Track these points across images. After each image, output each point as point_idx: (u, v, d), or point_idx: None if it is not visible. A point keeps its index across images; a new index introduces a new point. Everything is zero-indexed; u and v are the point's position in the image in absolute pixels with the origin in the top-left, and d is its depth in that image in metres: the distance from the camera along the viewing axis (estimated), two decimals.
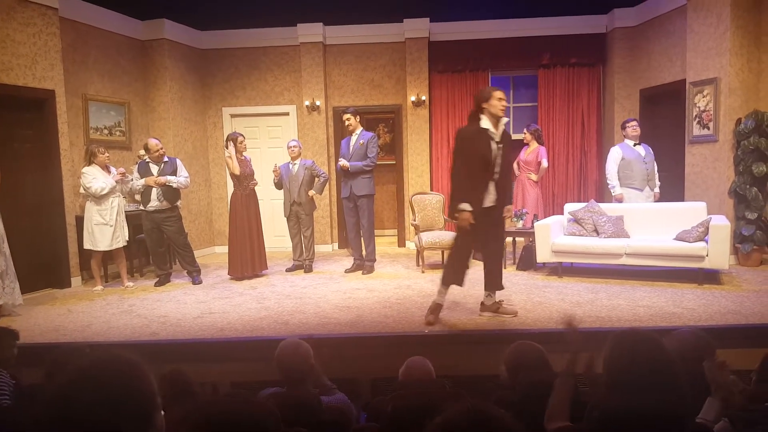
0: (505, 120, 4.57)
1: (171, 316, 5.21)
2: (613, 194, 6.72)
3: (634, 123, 6.69)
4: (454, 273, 4.72)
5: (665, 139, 7.62)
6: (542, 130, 7.85)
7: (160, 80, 8.16)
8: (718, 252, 5.43)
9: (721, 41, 6.50)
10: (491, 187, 4.57)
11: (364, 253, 6.98)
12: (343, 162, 6.83)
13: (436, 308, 4.71)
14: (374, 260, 7.02)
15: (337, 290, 6.00)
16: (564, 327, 2.40)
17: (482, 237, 4.69)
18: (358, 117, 6.96)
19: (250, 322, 4.91)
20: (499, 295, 4.94)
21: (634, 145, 6.63)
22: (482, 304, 4.89)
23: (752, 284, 5.58)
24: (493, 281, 4.84)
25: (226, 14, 7.96)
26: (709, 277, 5.65)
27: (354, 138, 6.91)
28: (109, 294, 6.20)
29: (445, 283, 4.71)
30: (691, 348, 2.47)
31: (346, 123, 6.95)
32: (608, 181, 6.77)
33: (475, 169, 4.48)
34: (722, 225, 5.51)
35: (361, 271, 6.89)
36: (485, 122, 4.49)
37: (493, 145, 4.48)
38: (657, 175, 6.73)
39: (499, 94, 4.43)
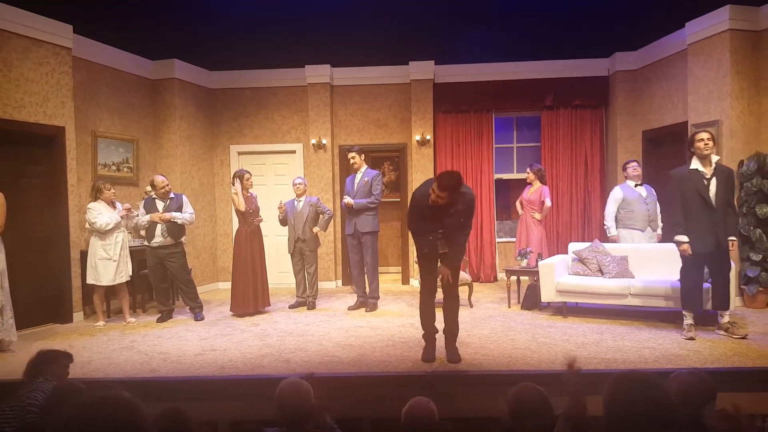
0: (715, 158, 5.04)
1: (172, 352, 5.16)
2: (608, 235, 6.74)
3: (635, 164, 6.73)
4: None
5: (668, 180, 7.63)
6: (545, 170, 7.91)
7: (170, 118, 8.30)
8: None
9: (722, 85, 6.60)
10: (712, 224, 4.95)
11: (367, 290, 6.95)
12: (347, 199, 6.89)
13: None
14: (378, 297, 6.97)
15: (340, 328, 5.96)
16: (565, 369, 2.36)
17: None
18: (362, 155, 7.06)
19: (252, 359, 4.87)
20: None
21: (636, 185, 6.65)
22: None
23: (758, 326, 5.52)
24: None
25: (236, 55, 8.17)
26: (715, 318, 5.58)
27: (359, 176, 6.98)
28: (111, 329, 6.17)
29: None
30: (693, 391, 2.43)
31: (351, 161, 7.04)
32: (605, 222, 6.78)
33: (694, 208, 4.95)
34: None
35: (364, 309, 6.85)
36: (695, 163, 5.03)
37: (706, 182, 4.96)
38: (660, 216, 6.73)
39: (699, 136, 5.01)
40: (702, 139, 5.01)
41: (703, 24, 6.79)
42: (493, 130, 8.99)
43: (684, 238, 5.03)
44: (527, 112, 9.13)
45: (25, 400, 2.81)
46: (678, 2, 6.45)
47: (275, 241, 8.55)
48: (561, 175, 8.81)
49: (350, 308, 6.95)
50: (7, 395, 2.92)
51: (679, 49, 7.35)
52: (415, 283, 8.30)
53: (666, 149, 7.88)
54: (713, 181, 4.97)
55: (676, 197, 5.09)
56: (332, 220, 7.60)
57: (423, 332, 4.88)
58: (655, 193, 6.71)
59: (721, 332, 5.12)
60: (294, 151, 9.06)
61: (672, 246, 5.30)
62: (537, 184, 7.33)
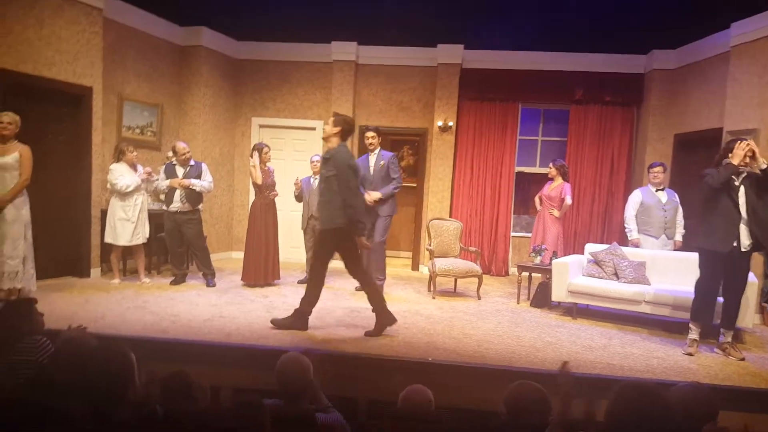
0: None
1: (182, 315, 5.26)
2: (629, 238, 6.60)
3: (658, 168, 6.49)
4: None
5: (697, 186, 7.47)
6: (569, 167, 7.79)
7: (195, 86, 8.32)
8: (743, 310, 5.15)
9: (764, 92, 6.32)
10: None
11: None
12: (374, 195, 6.42)
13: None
14: (383, 279, 6.75)
15: (345, 307, 5.98)
16: (558, 370, 2.33)
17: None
18: (380, 137, 6.81)
19: (258, 330, 4.92)
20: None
21: (657, 190, 6.51)
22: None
23: None
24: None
25: (264, 26, 8.13)
26: (732, 335, 5.47)
27: (374, 158, 6.66)
28: (126, 288, 6.28)
29: None
30: (694, 404, 2.39)
31: (369, 140, 6.68)
32: (626, 225, 6.65)
33: (721, 204, 4.81)
34: (749, 282, 5.29)
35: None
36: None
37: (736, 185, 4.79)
38: (682, 223, 6.57)
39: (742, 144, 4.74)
40: (741, 146, 4.69)
41: (750, 26, 6.50)
42: (518, 121, 8.85)
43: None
44: (555, 105, 8.95)
45: (37, 353, 2.92)
46: (725, 1, 6.15)
47: (289, 217, 8.57)
48: (585, 173, 8.67)
49: (357, 289, 6.96)
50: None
51: (722, 50, 7.08)
52: (425, 269, 8.28)
53: (697, 154, 7.66)
54: (741, 190, 4.79)
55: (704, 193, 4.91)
56: None
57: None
58: (677, 199, 6.54)
59: (719, 351, 4.97)
60: (314, 128, 9.03)
61: (691, 255, 5.17)
62: (558, 180, 7.21)
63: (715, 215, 4.85)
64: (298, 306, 5.05)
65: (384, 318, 5.00)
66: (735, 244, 4.78)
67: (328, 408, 2.84)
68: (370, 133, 6.71)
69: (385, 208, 6.57)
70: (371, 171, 6.61)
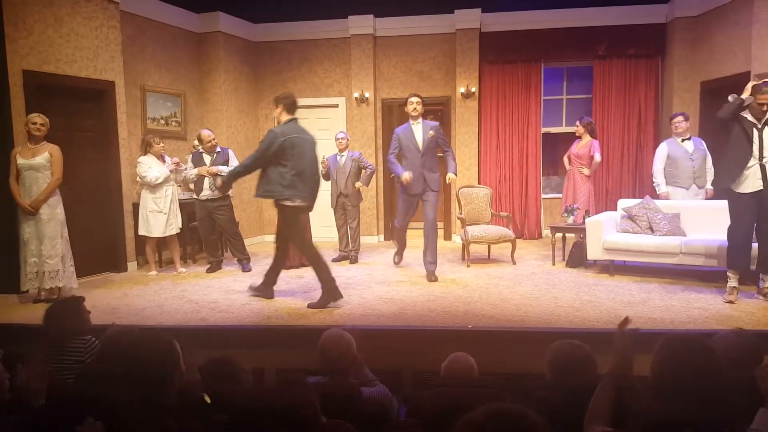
0: None
1: (221, 302, 5.35)
2: (657, 192, 6.48)
3: (680, 118, 6.33)
4: None
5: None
6: (596, 124, 7.63)
7: (215, 72, 8.35)
8: None
9: None
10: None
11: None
12: (451, 175, 6.04)
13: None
14: (436, 263, 6.18)
15: (382, 282, 6.03)
16: (617, 328, 2.27)
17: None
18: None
19: (296, 310, 4.99)
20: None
21: (682, 140, 6.34)
22: None
23: None
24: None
25: (279, 7, 8.08)
26: None
27: (418, 127, 6.04)
28: (163, 279, 6.41)
29: None
30: (738, 352, 2.35)
31: (414, 105, 6.01)
32: (654, 179, 6.52)
33: (739, 149, 4.74)
34: None
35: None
36: (746, 113, 4.75)
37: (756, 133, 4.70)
38: (712, 170, 6.38)
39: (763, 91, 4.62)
40: (762, 91, 4.59)
41: None
42: (541, 81, 8.68)
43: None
44: (578, 62, 8.76)
45: (86, 354, 3.03)
46: None
47: (318, 196, 8.59)
48: (612, 128, 8.50)
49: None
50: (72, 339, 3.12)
51: None
52: (457, 239, 8.26)
53: (725, 101, 7.43)
54: (766, 131, 4.64)
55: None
56: (374, 175, 7.56)
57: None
58: (704, 147, 6.36)
59: (761, 297, 4.90)
60: (337, 105, 9.01)
61: (725, 203, 5.05)
62: (586, 138, 7.08)
63: (735, 158, 4.75)
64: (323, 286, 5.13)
65: (330, 293, 5.08)
66: (761, 187, 4.66)
67: (373, 381, 2.89)
68: (415, 99, 6.05)
69: (435, 182, 6.07)
70: (420, 142, 6.00)
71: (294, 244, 5.56)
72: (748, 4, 6.75)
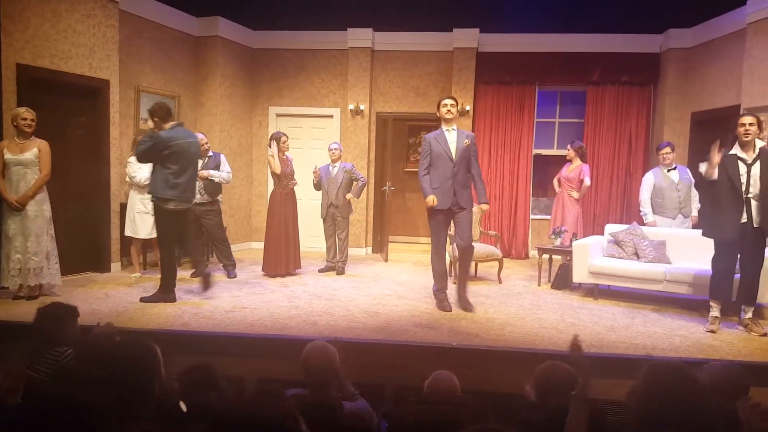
0: (760, 143, 4.77)
1: (203, 307, 5.30)
2: (645, 221, 6.55)
3: (667, 149, 6.40)
4: None
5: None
6: (587, 148, 7.72)
7: (211, 76, 8.35)
8: (764, 285, 5.12)
9: None
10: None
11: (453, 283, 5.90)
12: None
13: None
14: (466, 290, 5.59)
15: (368, 294, 6.01)
16: (569, 350, 2.33)
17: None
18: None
19: (280, 320, 4.96)
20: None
21: (668, 171, 6.42)
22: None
23: None
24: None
25: (279, 15, 8.11)
26: (753, 311, 5.41)
27: (453, 135, 5.38)
28: (146, 281, 6.34)
29: None
30: (725, 383, 2.38)
31: (447, 108, 5.36)
32: (641, 209, 6.59)
33: (723, 191, 4.76)
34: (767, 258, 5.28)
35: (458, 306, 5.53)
36: (736, 148, 4.76)
37: (746, 167, 4.70)
38: (696, 198, 6.44)
39: (741, 120, 4.72)
40: (744, 124, 4.69)
41: (766, 2, 6.41)
42: (535, 103, 8.77)
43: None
44: (572, 87, 8.86)
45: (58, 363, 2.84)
46: None
47: (309, 205, 8.60)
48: (602, 154, 8.59)
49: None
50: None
51: (738, 28, 6.99)
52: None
53: (715, 133, 7.53)
54: (755, 167, 4.68)
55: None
56: (365, 187, 7.57)
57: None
58: (689, 176, 6.42)
59: (741, 328, 4.94)
60: (331, 116, 9.03)
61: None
62: (577, 162, 7.15)
63: (721, 205, 4.80)
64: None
65: (166, 293, 5.40)
66: (745, 220, 4.72)
67: (354, 396, 2.87)
68: (449, 101, 5.42)
69: (467, 198, 5.43)
70: (453, 150, 5.35)
71: (159, 242, 5.64)
72: (741, 39, 6.89)
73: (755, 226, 4.71)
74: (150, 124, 5.44)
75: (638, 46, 8.42)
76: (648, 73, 8.46)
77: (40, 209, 5.31)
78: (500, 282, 6.77)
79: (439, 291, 5.54)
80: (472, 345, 4.40)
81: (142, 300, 5.41)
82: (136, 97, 7.38)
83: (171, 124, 5.34)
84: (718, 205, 4.82)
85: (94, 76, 6.49)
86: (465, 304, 5.42)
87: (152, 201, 5.39)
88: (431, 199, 5.29)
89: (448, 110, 5.35)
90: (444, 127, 5.42)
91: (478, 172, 5.51)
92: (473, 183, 5.50)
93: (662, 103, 8.35)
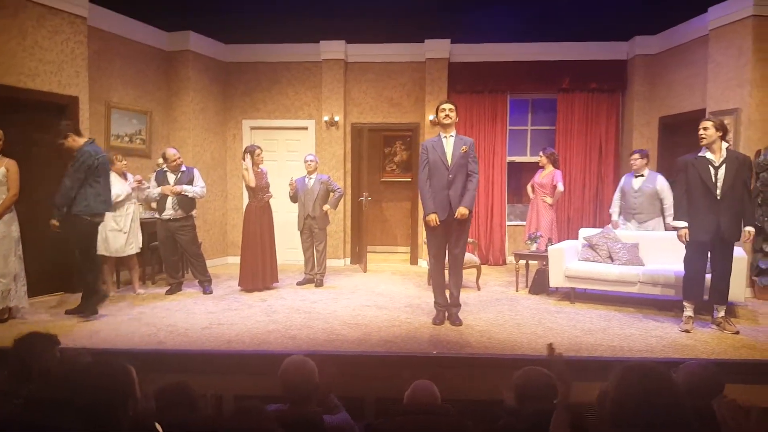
0: (724, 145, 4.89)
1: (179, 325, 5.22)
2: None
3: (636, 156, 6.57)
4: None
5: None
6: (558, 154, 7.84)
7: (183, 91, 8.28)
8: (734, 284, 5.22)
9: (742, 72, 6.47)
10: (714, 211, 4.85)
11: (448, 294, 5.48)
12: (461, 209, 5.12)
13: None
14: (459, 305, 5.42)
15: (347, 306, 5.99)
16: (547, 355, 2.35)
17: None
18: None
19: (258, 335, 4.90)
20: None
21: (636, 176, 6.56)
22: None
23: None
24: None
25: (251, 28, 8.09)
26: (725, 310, 5.53)
27: (450, 141, 5.22)
28: (120, 300, 6.23)
29: None
30: (701, 382, 2.42)
31: (445, 113, 5.18)
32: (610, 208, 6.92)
33: (697, 194, 4.88)
34: (738, 257, 5.37)
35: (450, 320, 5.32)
36: (705, 150, 4.90)
37: (713, 170, 4.84)
38: (669, 205, 6.28)
39: (701, 125, 4.91)
40: (699, 129, 4.89)
41: (726, 9, 6.63)
42: (507, 111, 8.88)
43: (681, 224, 4.95)
44: (543, 95, 9.00)
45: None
46: None
47: (285, 218, 8.55)
48: (574, 159, 8.72)
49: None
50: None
51: (701, 34, 7.18)
52: (423, 263, 8.28)
53: (683, 136, 7.73)
54: (722, 170, 4.82)
55: (681, 183, 5.01)
56: (342, 198, 7.57)
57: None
58: (655, 185, 6.40)
59: (715, 327, 5.05)
60: (306, 128, 9.02)
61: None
62: (549, 168, 7.26)
63: (693, 207, 4.93)
64: None
65: (89, 305, 5.39)
66: (713, 230, 4.83)
67: (336, 408, 2.84)
68: (447, 105, 5.24)
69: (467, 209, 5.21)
70: (449, 157, 5.19)
71: (84, 255, 5.52)
72: (704, 45, 7.08)
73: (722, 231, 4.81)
74: (70, 142, 5.40)
75: (606, 54, 8.60)
76: (616, 80, 8.64)
77: (8, 230, 5.18)
78: (479, 289, 6.81)
79: (438, 305, 5.36)
80: (453, 353, 4.40)
81: (67, 312, 5.47)
82: (107, 113, 7.28)
83: (85, 140, 5.46)
84: (691, 207, 4.92)
85: (62, 93, 6.38)
86: (453, 320, 5.25)
87: (86, 219, 5.36)
88: (433, 219, 5.15)
89: (447, 115, 5.17)
90: (442, 133, 5.26)
91: (473, 178, 5.22)
92: (464, 186, 5.19)
93: (630, 108, 8.53)
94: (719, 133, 4.85)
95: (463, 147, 5.19)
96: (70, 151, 5.42)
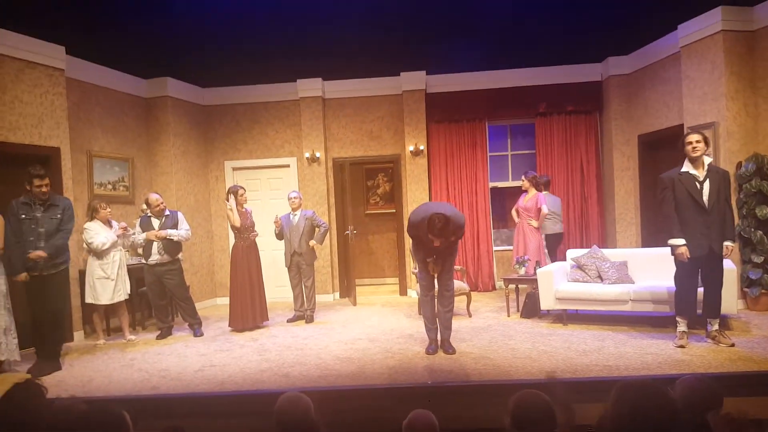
0: (708, 159, 4.96)
1: (172, 369, 5.14)
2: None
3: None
4: None
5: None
6: (550, 176, 7.98)
7: (164, 136, 8.30)
8: (725, 297, 5.21)
9: (717, 86, 6.61)
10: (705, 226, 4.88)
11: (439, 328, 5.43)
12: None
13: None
14: (450, 328, 5.41)
15: (339, 341, 5.93)
16: (546, 380, 2.34)
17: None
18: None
19: (251, 374, 4.84)
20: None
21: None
22: None
23: (763, 329, 5.49)
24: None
25: (228, 72, 8.20)
26: (719, 323, 5.55)
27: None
28: (111, 348, 6.14)
29: None
30: (698, 396, 2.41)
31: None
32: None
33: (687, 211, 4.90)
34: (728, 269, 5.35)
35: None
36: (687, 165, 4.95)
37: (698, 185, 4.88)
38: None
39: (688, 138, 4.94)
40: (690, 142, 4.89)
41: (695, 26, 6.81)
42: (486, 138, 9.01)
43: (679, 242, 4.91)
44: (521, 120, 9.15)
45: None
46: (670, 4, 6.42)
47: (272, 256, 8.52)
48: (557, 181, 8.81)
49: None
50: None
51: (672, 51, 7.37)
52: (413, 293, 8.26)
53: (663, 153, 7.86)
54: (706, 184, 4.86)
55: (668, 201, 4.98)
56: (328, 233, 7.56)
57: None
58: (546, 201, 7.25)
59: (709, 340, 5.06)
60: (288, 165, 9.07)
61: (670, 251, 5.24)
62: (532, 192, 7.32)
63: (683, 224, 4.93)
64: None
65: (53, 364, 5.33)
66: (707, 245, 4.85)
67: None
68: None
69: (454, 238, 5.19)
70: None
71: (60, 314, 5.56)
72: (676, 61, 7.25)
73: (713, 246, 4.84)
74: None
75: (580, 76, 8.78)
76: (592, 101, 8.81)
77: None
78: (470, 316, 6.79)
79: (430, 333, 5.36)
80: (448, 381, 4.37)
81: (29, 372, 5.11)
82: (89, 162, 7.27)
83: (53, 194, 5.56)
84: (682, 224, 4.92)
85: (44, 144, 6.38)
86: (446, 348, 5.23)
87: (61, 268, 5.45)
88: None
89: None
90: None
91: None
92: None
93: (609, 128, 8.68)
94: (706, 147, 4.93)
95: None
96: (41, 196, 5.37)
